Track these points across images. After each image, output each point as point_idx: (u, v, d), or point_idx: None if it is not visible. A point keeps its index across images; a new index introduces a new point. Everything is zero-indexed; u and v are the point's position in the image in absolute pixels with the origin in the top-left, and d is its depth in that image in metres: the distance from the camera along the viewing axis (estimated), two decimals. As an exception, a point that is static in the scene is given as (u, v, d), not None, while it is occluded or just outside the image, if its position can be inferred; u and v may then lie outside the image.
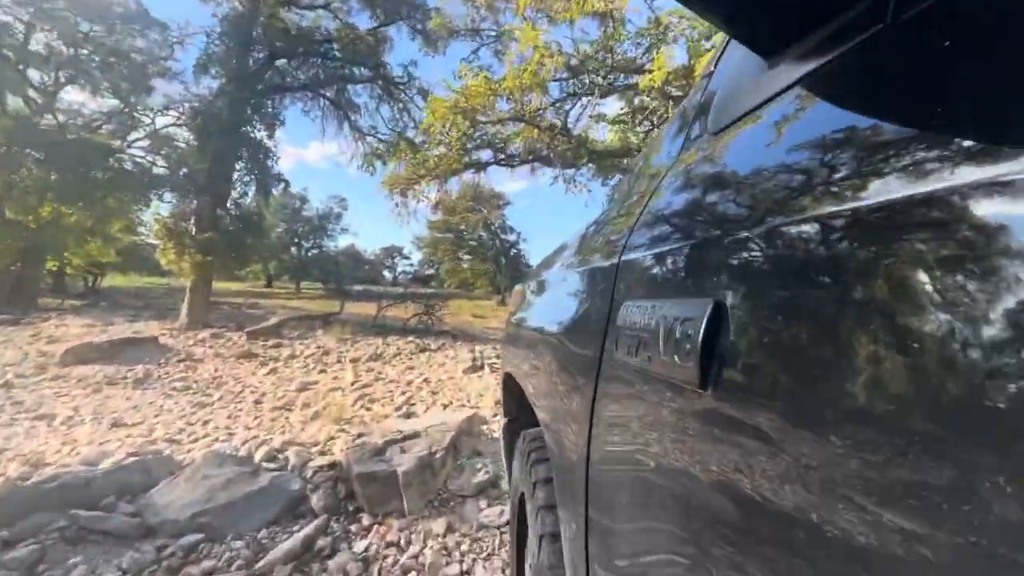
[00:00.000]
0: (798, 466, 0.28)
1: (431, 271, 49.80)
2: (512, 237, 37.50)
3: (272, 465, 2.68)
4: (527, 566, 1.14)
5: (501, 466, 2.44)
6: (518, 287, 1.74)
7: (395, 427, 2.92)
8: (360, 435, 2.84)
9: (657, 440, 0.45)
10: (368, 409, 4.18)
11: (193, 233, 8.67)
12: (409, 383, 5.21)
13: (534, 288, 1.41)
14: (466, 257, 38.58)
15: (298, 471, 2.62)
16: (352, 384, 5.21)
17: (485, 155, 9.05)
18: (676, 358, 0.41)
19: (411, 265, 61.74)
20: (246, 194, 9.82)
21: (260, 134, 9.93)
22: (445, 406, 4.20)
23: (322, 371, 5.97)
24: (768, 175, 0.41)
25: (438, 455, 2.46)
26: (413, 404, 4.29)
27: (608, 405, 0.59)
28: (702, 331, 0.37)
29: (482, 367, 5.79)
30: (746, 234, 0.38)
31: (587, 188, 9.19)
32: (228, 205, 9.45)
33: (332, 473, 2.54)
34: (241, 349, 7.24)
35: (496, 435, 3.08)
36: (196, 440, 3.45)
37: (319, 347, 7.42)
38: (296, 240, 38.81)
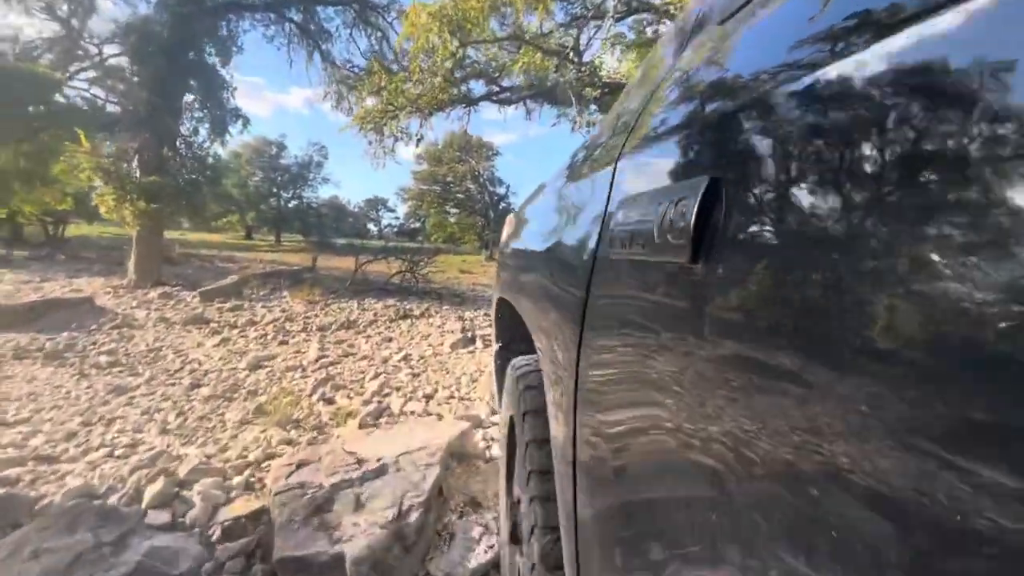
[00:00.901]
0: (791, 336, 0.27)
1: (417, 224, 48.24)
2: (501, 190, 35.98)
3: (162, 518, 1.77)
4: (514, 492, 1.15)
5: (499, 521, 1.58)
6: (509, 216, 1.74)
7: (354, 449, 2.02)
8: (299, 465, 1.94)
9: (648, 326, 0.45)
10: (329, 402, 3.27)
11: (136, 176, 7.40)
12: (385, 360, 4.30)
13: (526, 214, 1.41)
14: (453, 210, 37.06)
15: (199, 530, 1.72)
16: (315, 362, 4.28)
17: (477, 89, 7.80)
18: (669, 237, 0.41)
19: (396, 218, 60.10)
20: (197, 131, 8.46)
21: (213, 59, 8.47)
22: (428, 397, 3.32)
23: (282, 342, 5.02)
24: (764, 59, 0.40)
25: (413, 516, 1.57)
26: (387, 394, 3.39)
27: (599, 304, 0.59)
28: (696, 206, 0.37)
29: (473, 339, 4.89)
30: (745, 107, 0.38)
31: (596, 127, 8.03)
32: (177, 144, 8.09)
33: (250, 540, 1.65)
34: (193, 312, 6.23)
35: (499, 453, 2.23)
36: (86, 452, 2.53)
37: (283, 311, 6.44)
38: (275, 190, 37.03)
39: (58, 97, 10.53)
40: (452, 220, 36.75)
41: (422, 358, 4.36)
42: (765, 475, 0.27)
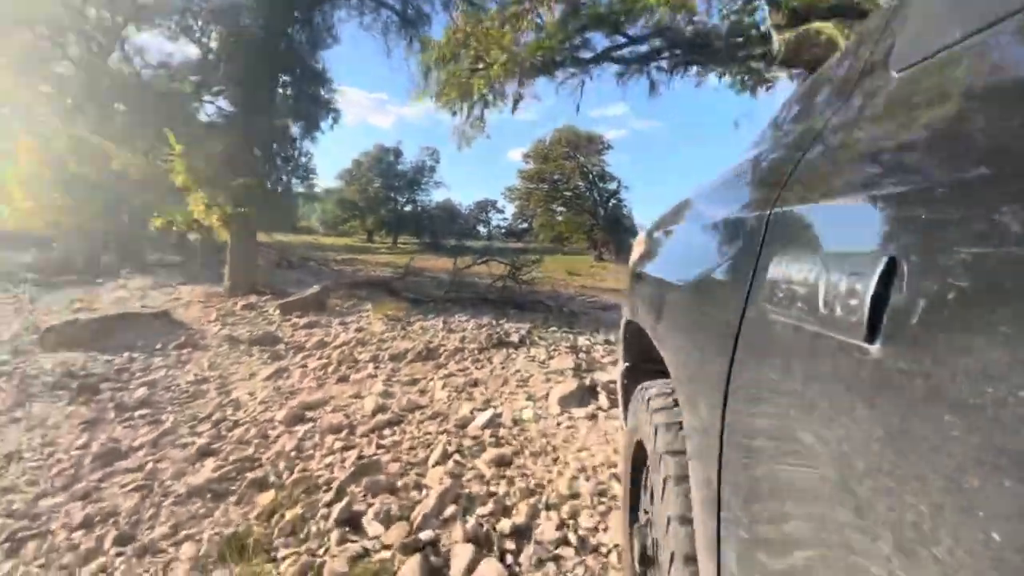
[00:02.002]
0: (963, 435, 0.26)
1: (525, 225, 47.54)
2: (612, 186, 33.65)
3: None
4: (641, 512, 1.16)
5: None
6: (640, 236, 1.68)
7: None
8: None
9: (805, 400, 0.43)
10: (354, 528, 1.91)
11: (226, 179, 6.98)
12: (462, 426, 2.89)
13: (662, 236, 1.34)
14: (560, 209, 35.47)
15: None
16: (369, 418, 3.03)
17: (588, 54, 6.08)
18: (838, 311, 0.39)
19: (505, 219, 60.34)
20: (288, 127, 7.96)
21: (305, 54, 7.95)
22: (518, 533, 1.81)
23: (343, 378, 3.88)
24: (960, 124, 0.36)
25: None
26: (450, 518, 1.94)
27: (749, 362, 0.56)
28: (872, 286, 0.35)
29: (594, 391, 3.30)
30: (927, 189, 0.35)
31: (768, 85, 5.77)
32: (271, 145, 7.64)
33: None
34: (265, 330, 5.46)
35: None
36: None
37: (360, 330, 5.41)
38: (392, 195, 38.73)
39: (200, 115, 11.04)
40: (560, 219, 35.17)
41: (517, 424, 2.87)
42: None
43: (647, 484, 1.13)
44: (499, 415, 2.95)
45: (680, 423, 0.89)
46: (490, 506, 1.97)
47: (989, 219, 0.28)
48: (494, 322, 5.77)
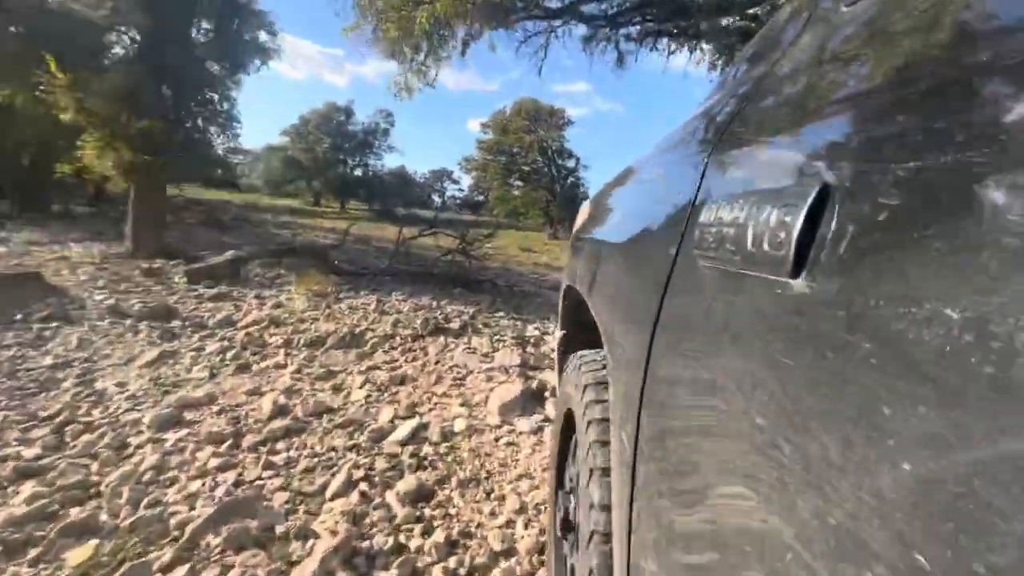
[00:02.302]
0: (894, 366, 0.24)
1: (481, 197, 46.48)
2: (570, 163, 33.26)
3: None
4: (567, 481, 1.18)
5: None
6: (586, 203, 1.66)
7: None
8: None
9: (728, 341, 0.41)
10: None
11: (127, 120, 5.87)
12: (377, 439, 2.36)
13: (604, 201, 1.35)
14: (517, 183, 34.75)
15: None
16: (262, 426, 2.43)
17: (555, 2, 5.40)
18: (766, 246, 0.38)
19: (461, 190, 58.87)
20: (203, 65, 6.79)
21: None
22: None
23: (244, 367, 3.24)
24: (906, 47, 0.36)
25: None
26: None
27: (674, 307, 0.56)
28: (802, 214, 0.34)
29: (542, 394, 2.84)
30: (870, 105, 0.35)
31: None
32: (182, 83, 6.46)
33: None
34: (163, 301, 4.64)
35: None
36: None
37: (277, 306, 4.69)
38: (341, 156, 36.66)
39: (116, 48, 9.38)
40: (516, 194, 34.50)
41: (447, 439, 2.37)
42: (838, 511, 0.26)
43: (575, 453, 1.11)
44: (425, 425, 2.43)
45: (607, 387, 0.87)
46: (394, 573, 1.46)
47: (915, 143, 0.28)
48: (434, 303, 5.19)
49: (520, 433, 2.41)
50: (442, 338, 3.84)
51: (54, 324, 3.90)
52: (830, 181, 0.33)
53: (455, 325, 4.10)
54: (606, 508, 0.73)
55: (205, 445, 2.28)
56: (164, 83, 6.16)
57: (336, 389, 2.90)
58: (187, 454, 2.20)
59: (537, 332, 4.33)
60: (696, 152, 0.68)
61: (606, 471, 0.77)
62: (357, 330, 3.90)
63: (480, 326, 4.35)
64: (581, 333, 1.43)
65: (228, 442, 2.29)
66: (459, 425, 2.45)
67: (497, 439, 2.34)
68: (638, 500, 0.55)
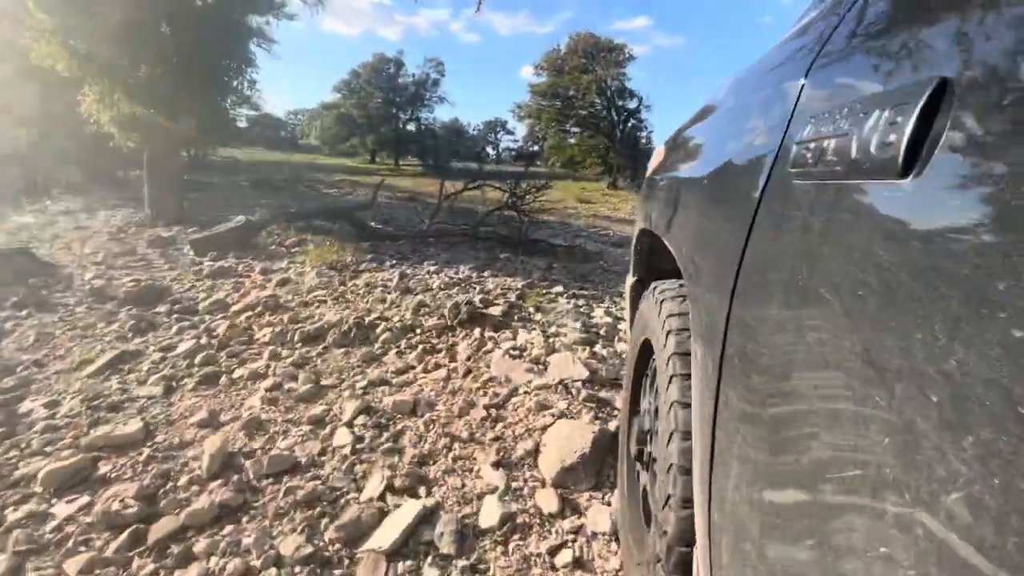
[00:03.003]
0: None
1: (536, 147, 44.21)
2: (632, 104, 30.38)
3: None
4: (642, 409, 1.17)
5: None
6: (659, 147, 1.59)
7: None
8: None
9: (828, 254, 0.38)
10: None
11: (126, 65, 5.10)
12: (347, 549, 1.41)
13: (682, 140, 1.25)
14: (574, 130, 32.36)
15: None
16: (197, 493, 1.57)
17: None
18: (873, 150, 0.35)
19: (515, 140, 56.57)
20: (219, 8, 5.74)
21: None
22: None
23: (209, 379, 2.43)
24: None
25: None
26: None
27: (766, 227, 0.52)
28: (916, 112, 0.31)
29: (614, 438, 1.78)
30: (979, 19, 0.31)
31: None
32: (193, 23, 5.51)
33: None
34: (157, 278, 3.95)
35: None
36: None
37: (284, 283, 3.86)
38: (393, 111, 35.72)
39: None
40: (572, 141, 32.22)
41: (466, 546, 1.38)
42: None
43: (652, 384, 1.09)
44: (431, 514, 1.47)
45: (687, 316, 0.84)
46: None
47: None
48: (473, 275, 4.17)
49: (593, 536, 1.38)
50: (477, 331, 2.83)
51: (24, 311, 3.28)
52: (947, 75, 0.31)
53: (497, 310, 3.08)
54: (687, 435, 0.71)
55: (93, 535, 1.45)
56: (170, 26, 5.27)
57: (317, 423, 1.99)
58: (59, 554, 1.38)
59: (608, 318, 3.22)
60: (790, 73, 0.63)
61: (685, 404, 0.76)
62: (368, 319, 2.98)
63: (531, 310, 3.30)
64: (655, 279, 1.28)
65: (128, 532, 1.45)
66: (489, 513, 1.45)
67: (553, 551, 1.33)
68: (720, 428, 0.53)
